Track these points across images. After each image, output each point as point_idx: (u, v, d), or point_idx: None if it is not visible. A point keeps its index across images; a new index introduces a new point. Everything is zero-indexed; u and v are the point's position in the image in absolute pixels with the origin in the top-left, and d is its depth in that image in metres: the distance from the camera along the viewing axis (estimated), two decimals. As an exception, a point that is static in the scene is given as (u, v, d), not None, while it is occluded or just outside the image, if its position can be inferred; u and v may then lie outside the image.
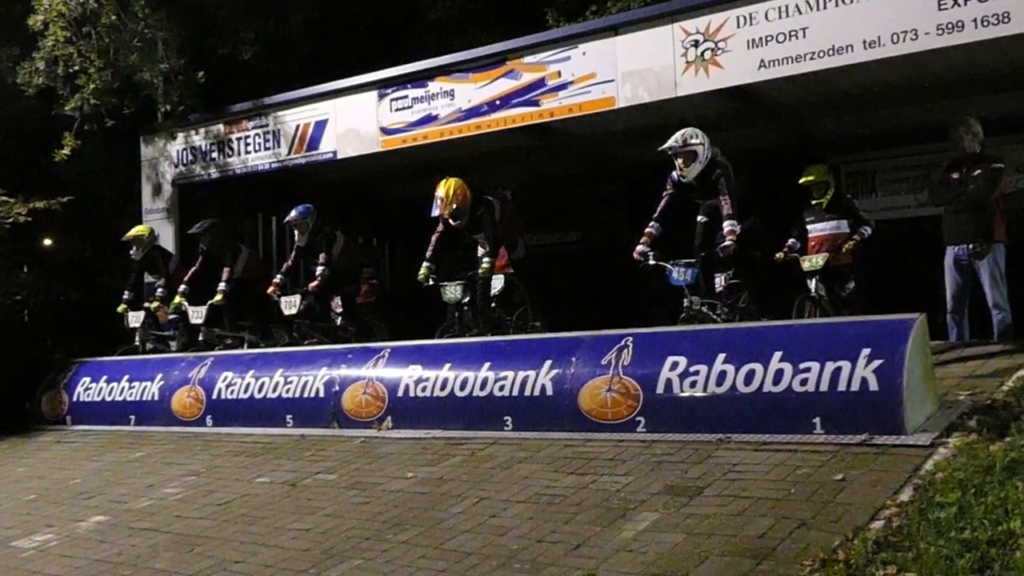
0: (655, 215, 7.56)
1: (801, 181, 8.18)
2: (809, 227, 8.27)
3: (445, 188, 8.40)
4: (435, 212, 8.46)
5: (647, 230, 7.51)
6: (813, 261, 7.94)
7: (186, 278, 10.19)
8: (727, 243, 7.10)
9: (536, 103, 9.18)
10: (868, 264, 8.43)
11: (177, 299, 10.05)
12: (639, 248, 7.42)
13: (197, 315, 9.99)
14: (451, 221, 8.50)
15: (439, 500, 5.38)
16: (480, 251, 8.71)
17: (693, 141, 7.38)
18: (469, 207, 8.50)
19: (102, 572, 5.11)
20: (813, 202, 8.20)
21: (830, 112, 9.73)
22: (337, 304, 10.23)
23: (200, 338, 10.08)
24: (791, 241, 8.21)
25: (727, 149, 7.79)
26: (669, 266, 7.33)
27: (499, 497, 5.26)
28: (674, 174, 7.54)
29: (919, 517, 3.90)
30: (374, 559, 4.63)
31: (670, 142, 7.41)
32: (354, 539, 4.96)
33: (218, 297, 9.92)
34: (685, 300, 7.29)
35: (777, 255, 8.14)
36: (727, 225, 7.14)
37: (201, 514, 5.91)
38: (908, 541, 3.71)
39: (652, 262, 7.37)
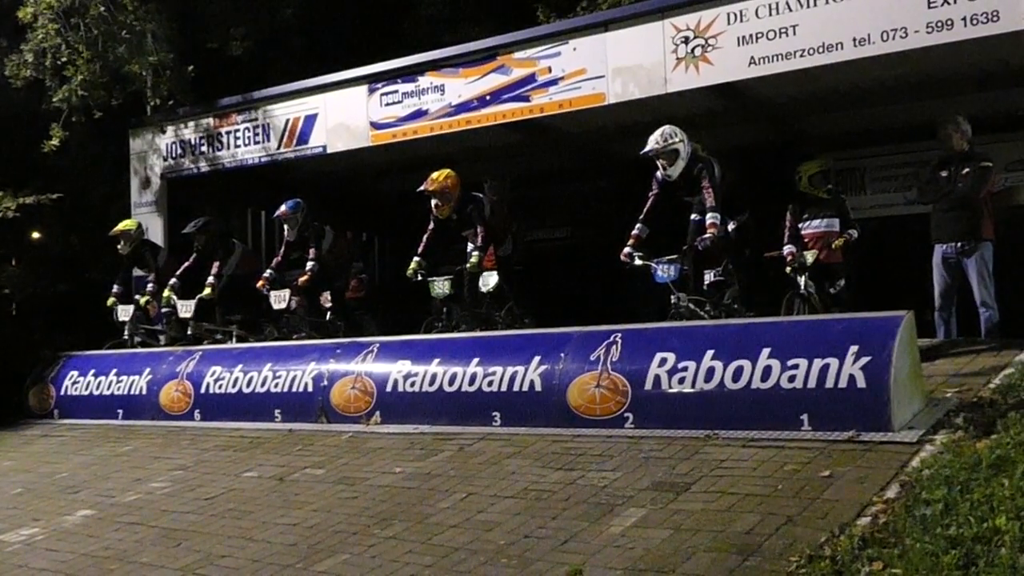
0: (641, 217, 7.60)
1: (810, 173, 8.19)
2: (802, 224, 8.28)
3: (439, 172, 8.61)
4: (421, 188, 8.61)
5: (634, 232, 7.55)
6: (803, 258, 7.95)
7: (177, 272, 10.16)
8: (706, 236, 7.14)
9: (526, 99, 9.17)
10: (856, 261, 8.44)
11: (167, 293, 10.02)
12: (625, 251, 7.47)
13: (186, 309, 9.95)
14: (433, 206, 8.59)
15: (427, 495, 5.38)
16: (469, 246, 8.73)
17: (673, 139, 7.45)
18: (457, 199, 8.61)
19: (88, 566, 5.09)
20: (814, 194, 8.19)
21: (820, 109, 9.76)
22: (326, 299, 10.20)
23: (189, 332, 10.04)
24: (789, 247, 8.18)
25: (716, 146, 7.81)
26: (653, 264, 7.35)
27: (487, 492, 5.26)
28: (658, 174, 7.59)
29: (905, 514, 3.91)
30: (361, 554, 4.62)
31: (651, 144, 7.46)
32: (341, 534, 4.95)
33: (207, 291, 9.89)
34: (672, 297, 7.31)
35: (768, 253, 8.16)
36: (709, 218, 7.19)
37: (188, 508, 5.89)
38: (894, 537, 3.72)
39: (638, 263, 7.40)
